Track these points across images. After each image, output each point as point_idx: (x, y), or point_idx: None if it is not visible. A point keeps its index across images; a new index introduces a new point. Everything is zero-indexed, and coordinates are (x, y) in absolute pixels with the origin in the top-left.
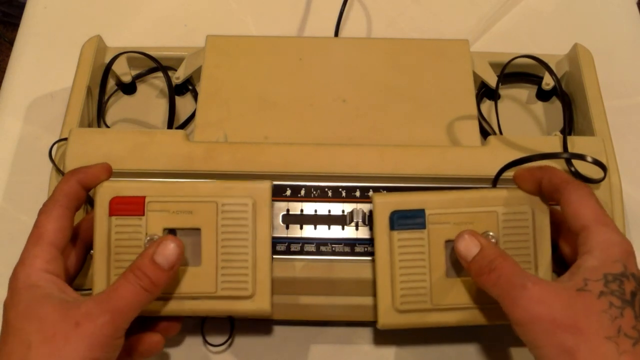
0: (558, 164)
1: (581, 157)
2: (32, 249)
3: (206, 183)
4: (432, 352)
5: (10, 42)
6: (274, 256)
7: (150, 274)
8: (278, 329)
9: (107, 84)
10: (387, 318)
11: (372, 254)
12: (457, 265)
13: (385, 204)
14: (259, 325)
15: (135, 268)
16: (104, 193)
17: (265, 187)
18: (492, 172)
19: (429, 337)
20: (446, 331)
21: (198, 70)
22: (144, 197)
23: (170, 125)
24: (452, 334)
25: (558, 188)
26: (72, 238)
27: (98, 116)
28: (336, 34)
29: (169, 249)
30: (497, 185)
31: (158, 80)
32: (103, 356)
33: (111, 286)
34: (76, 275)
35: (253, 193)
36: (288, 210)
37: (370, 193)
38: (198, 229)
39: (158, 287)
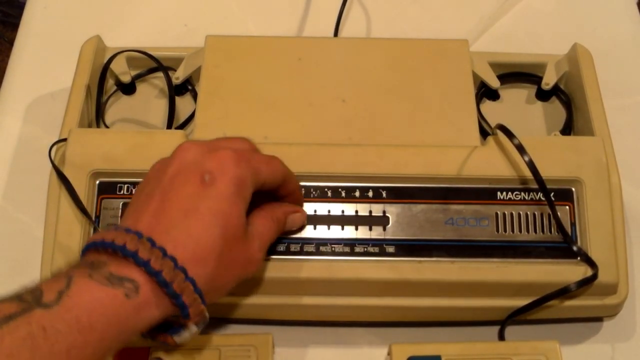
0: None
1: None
2: None
3: (209, 335)
4: None
5: (10, 42)
6: (274, 256)
7: None
8: (278, 329)
9: (107, 84)
10: None
11: (371, 254)
12: None
13: (402, 351)
14: (259, 325)
15: None
16: None
17: (267, 338)
18: (492, 172)
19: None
20: (451, 336)
21: (197, 70)
22: (148, 348)
23: (170, 126)
24: (454, 337)
25: None
26: None
27: (97, 116)
28: (335, 34)
29: None
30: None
31: (157, 80)
32: None
33: None
34: None
35: (255, 343)
36: None
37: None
38: None
39: None
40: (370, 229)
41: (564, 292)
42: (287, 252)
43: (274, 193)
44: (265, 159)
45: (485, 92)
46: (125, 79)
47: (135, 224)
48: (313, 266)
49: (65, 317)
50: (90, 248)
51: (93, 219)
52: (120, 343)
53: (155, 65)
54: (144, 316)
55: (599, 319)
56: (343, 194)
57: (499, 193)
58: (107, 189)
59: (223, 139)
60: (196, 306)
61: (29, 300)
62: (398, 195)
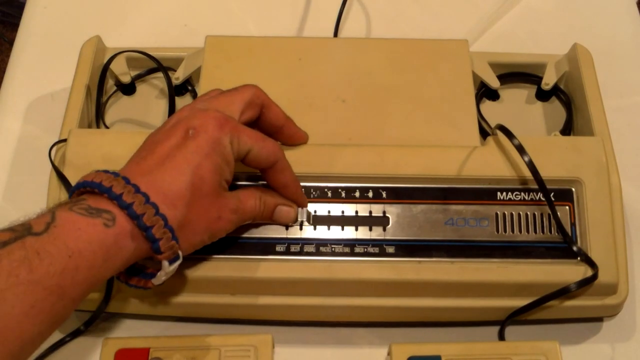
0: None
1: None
2: None
3: (209, 336)
4: None
5: (10, 42)
6: (274, 257)
7: None
8: (278, 329)
9: (107, 84)
10: None
11: (371, 254)
12: None
13: (402, 351)
14: (259, 325)
15: None
16: (110, 347)
17: (267, 339)
18: (492, 172)
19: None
20: (451, 336)
21: (197, 71)
22: (148, 348)
23: None
24: (454, 337)
25: None
26: None
27: (97, 116)
28: (335, 34)
29: None
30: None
31: (157, 80)
32: None
33: None
34: None
35: (255, 343)
36: None
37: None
38: None
39: None
40: (370, 230)
41: (564, 292)
42: (287, 252)
43: (266, 179)
44: (255, 134)
45: (485, 92)
46: (125, 79)
47: (121, 171)
48: (313, 266)
49: (56, 243)
50: (74, 191)
51: None
52: (107, 272)
53: (155, 65)
54: (123, 246)
55: (599, 319)
56: (343, 194)
57: (499, 193)
58: None
59: (227, 96)
60: (166, 240)
61: (20, 230)
62: (398, 195)
